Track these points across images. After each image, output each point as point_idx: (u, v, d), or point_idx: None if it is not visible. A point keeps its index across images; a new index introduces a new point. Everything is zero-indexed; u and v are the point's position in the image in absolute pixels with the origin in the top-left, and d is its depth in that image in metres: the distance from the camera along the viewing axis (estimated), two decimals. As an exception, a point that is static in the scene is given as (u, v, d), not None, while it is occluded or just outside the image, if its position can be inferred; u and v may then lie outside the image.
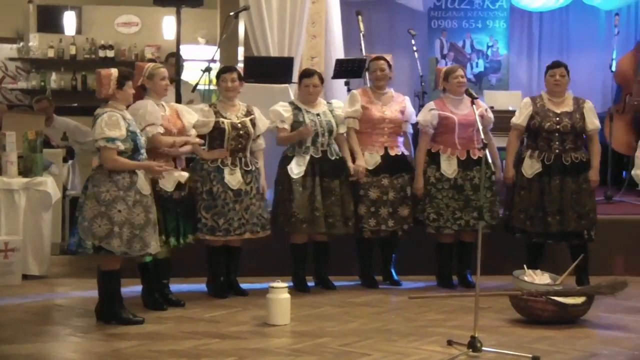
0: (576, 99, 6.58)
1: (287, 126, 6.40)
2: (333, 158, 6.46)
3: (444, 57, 10.36)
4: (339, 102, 6.74)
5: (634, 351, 5.02)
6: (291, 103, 6.54)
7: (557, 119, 6.45)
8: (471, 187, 6.48)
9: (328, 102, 6.66)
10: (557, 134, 6.44)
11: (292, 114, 6.42)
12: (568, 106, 6.51)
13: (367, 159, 6.53)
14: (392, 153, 6.56)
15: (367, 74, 6.87)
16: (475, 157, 6.48)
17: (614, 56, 8.93)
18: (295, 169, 6.36)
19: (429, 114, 6.55)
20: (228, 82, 6.23)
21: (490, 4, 10.38)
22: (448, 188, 6.51)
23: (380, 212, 6.50)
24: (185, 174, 5.87)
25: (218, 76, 6.30)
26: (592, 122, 6.50)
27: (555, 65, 6.54)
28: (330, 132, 6.46)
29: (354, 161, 6.51)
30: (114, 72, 5.47)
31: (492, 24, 10.37)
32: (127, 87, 5.48)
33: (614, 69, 8.93)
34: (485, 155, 5.03)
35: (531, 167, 6.49)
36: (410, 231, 6.60)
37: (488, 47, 10.39)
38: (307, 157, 6.38)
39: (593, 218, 6.52)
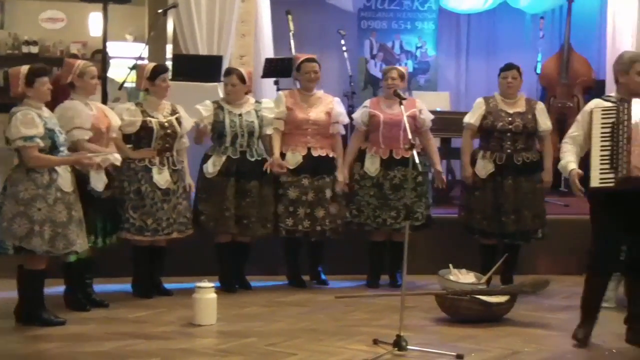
0: (528, 100, 6.68)
1: (205, 126, 6.36)
2: (253, 159, 6.40)
3: (373, 57, 10.44)
4: (269, 102, 6.67)
5: (555, 349, 5.12)
6: (215, 102, 6.48)
7: (510, 119, 6.51)
8: (390, 186, 6.52)
9: (257, 102, 6.61)
10: (509, 134, 6.49)
11: (213, 113, 6.38)
12: (521, 107, 6.58)
13: (289, 158, 6.50)
14: (314, 154, 6.52)
15: (295, 74, 6.80)
16: (398, 157, 6.52)
17: (539, 59, 9.13)
18: (210, 168, 6.33)
19: (360, 111, 6.66)
20: (167, 81, 6.19)
21: (420, 5, 10.49)
22: (370, 186, 6.55)
23: (298, 212, 6.46)
24: (119, 157, 5.67)
25: (155, 77, 6.15)
26: (544, 123, 6.59)
27: (508, 67, 6.59)
28: (251, 133, 6.41)
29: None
30: (23, 69, 5.34)
31: (421, 25, 10.49)
32: (38, 84, 5.33)
33: (539, 71, 9.12)
34: (412, 156, 5.05)
35: (484, 167, 6.54)
36: (324, 233, 6.53)
37: (417, 48, 10.50)
38: (224, 158, 6.34)
39: (544, 217, 6.63)
